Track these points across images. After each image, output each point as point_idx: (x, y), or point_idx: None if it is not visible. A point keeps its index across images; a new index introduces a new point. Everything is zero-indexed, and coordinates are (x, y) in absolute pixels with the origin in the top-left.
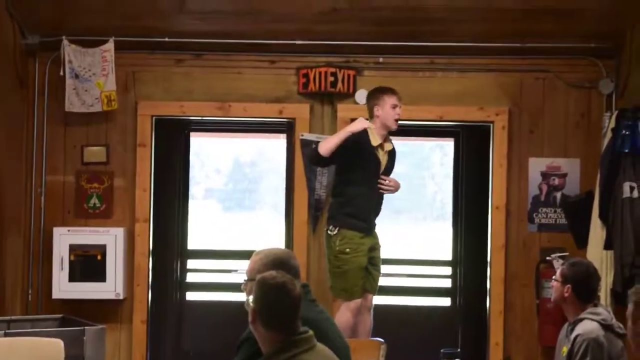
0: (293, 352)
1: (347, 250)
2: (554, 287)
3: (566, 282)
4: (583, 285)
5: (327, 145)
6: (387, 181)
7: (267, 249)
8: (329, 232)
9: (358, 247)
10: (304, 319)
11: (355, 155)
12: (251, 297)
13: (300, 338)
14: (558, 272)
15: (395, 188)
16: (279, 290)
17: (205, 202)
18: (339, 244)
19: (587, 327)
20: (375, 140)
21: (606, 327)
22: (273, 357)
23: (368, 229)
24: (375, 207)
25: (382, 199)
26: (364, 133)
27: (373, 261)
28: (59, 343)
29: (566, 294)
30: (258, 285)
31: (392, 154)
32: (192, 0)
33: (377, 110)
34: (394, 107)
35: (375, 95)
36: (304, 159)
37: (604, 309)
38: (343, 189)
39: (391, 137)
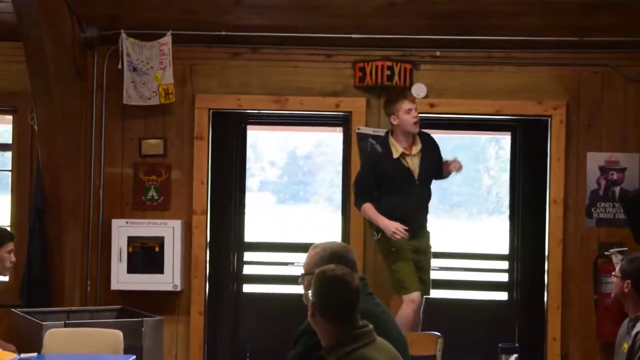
0: (353, 346)
1: (393, 249)
2: (614, 283)
3: (626, 277)
4: None
5: (365, 212)
6: (450, 166)
7: (324, 243)
8: (374, 237)
9: (403, 245)
10: (362, 312)
11: (380, 172)
12: (310, 291)
13: (361, 332)
14: (617, 267)
15: (456, 168)
16: (338, 282)
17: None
18: (385, 245)
19: None
20: (396, 152)
21: None
22: (333, 350)
23: (408, 232)
24: (414, 212)
25: (425, 203)
26: (385, 148)
27: (419, 265)
28: (118, 334)
29: (626, 289)
30: (317, 278)
31: (427, 151)
32: None
33: (394, 120)
34: (409, 111)
35: (388, 105)
36: (360, 152)
37: None
38: (379, 198)
39: (449, 133)
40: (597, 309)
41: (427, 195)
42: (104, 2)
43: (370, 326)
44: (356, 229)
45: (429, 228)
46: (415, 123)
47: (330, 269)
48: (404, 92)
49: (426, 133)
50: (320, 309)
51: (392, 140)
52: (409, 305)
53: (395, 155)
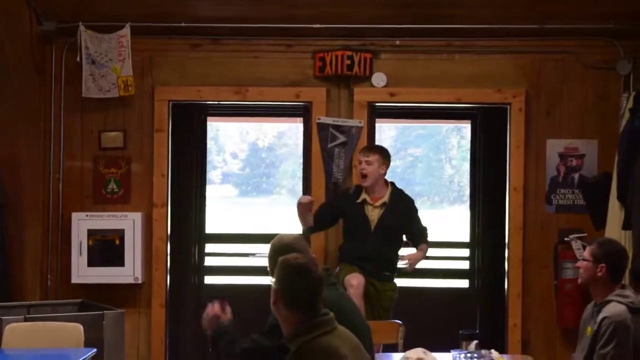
0: (314, 333)
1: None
2: (584, 267)
3: (599, 261)
4: (616, 264)
5: (302, 222)
6: (406, 261)
7: (276, 237)
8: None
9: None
10: (325, 301)
11: (342, 210)
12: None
13: (322, 320)
14: (587, 251)
15: (413, 262)
16: (300, 270)
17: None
18: (341, 275)
19: (615, 309)
20: (360, 197)
21: (633, 310)
22: (294, 339)
23: (362, 269)
24: (366, 260)
25: (379, 255)
26: (357, 190)
27: (369, 297)
28: (79, 327)
29: (599, 273)
30: (280, 266)
31: (393, 206)
32: None
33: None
34: (359, 163)
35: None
36: (320, 143)
37: (631, 292)
38: (344, 238)
39: (409, 120)
40: (557, 295)
41: (383, 249)
42: None
43: (331, 314)
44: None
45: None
46: (362, 175)
47: (292, 257)
48: (363, 147)
49: (400, 190)
50: (282, 296)
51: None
52: (349, 290)
53: (358, 200)
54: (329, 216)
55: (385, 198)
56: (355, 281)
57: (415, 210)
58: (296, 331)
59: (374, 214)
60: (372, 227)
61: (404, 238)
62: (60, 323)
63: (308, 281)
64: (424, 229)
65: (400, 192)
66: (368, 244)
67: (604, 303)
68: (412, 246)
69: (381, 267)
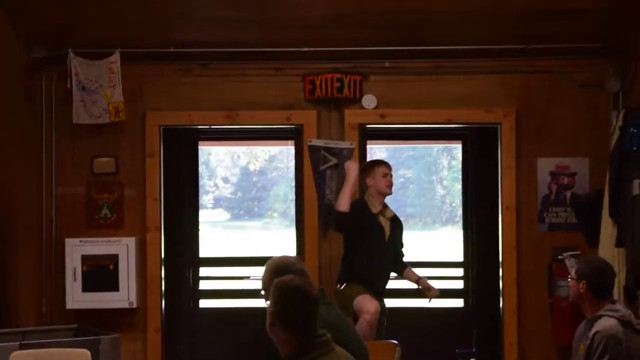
0: (312, 355)
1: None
2: (570, 286)
3: (581, 278)
4: (597, 280)
5: (343, 200)
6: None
7: (271, 259)
8: (335, 289)
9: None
10: (321, 322)
11: (358, 222)
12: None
13: (319, 341)
14: (574, 270)
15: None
16: (296, 292)
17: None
18: (345, 297)
19: (606, 323)
20: (374, 208)
21: (625, 323)
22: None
23: (371, 287)
24: (381, 271)
25: (390, 266)
26: (362, 204)
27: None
28: (86, 353)
29: (582, 290)
30: (276, 288)
31: (395, 222)
32: (196, 10)
33: (369, 181)
34: (385, 175)
35: (366, 169)
36: (312, 165)
37: (622, 306)
38: (348, 254)
39: (400, 141)
40: (553, 313)
41: (390, 264)
42: (51, 22)
43: (329, 335)
44: (310, 242)
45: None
46: (388, 186)
47: (288, 279)
48: (382, 160)
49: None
50: (279, 318)
51: (369, 198)
52: (364, 316)
53: (374, 211)
54: (352, 217)
55: (392, 213)
56: (372, 307)
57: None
58: (294, 353)
59: (387, 227)
60: (386, 240)
61: None
62: (67, 349)
63: (305, 302)
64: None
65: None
66: (383, 254)
67: (595, 318)
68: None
69: (384, 285)
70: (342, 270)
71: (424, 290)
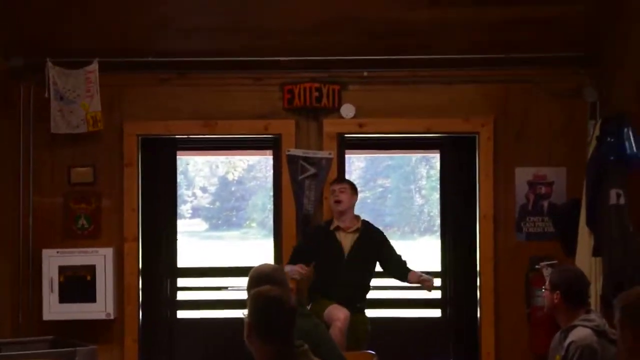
0: None
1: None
2: (545, 296)
3: (554, 288)
4: (571, 290)
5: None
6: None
7: (254, 268)
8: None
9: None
10: (299, 331)
11: (315, 242)
12: (245, 312)
13: (298, 351)
14: (547, 280)
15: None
16: (273, 302)
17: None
18: (317, 310)
19: (581, 333)
20: (333, 225)
21: (599, 333)
22: None
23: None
24: (339, 290)
25: (353, 284)
26: (321, 226)
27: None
28: None
29: (556, 301)
30: (253, 299)
31: (365, 235)
32: (174, 18)
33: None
34: (332, 193)
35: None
36: (290, 175)
37: (596, 316)
38: (315, 273)
39: (378, 151)
40: (530, 322)
41: (358, 278)
42: (29, 30)
43: (306, 346)
44: (288, 252)
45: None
46: (335, 202)
47: (265, 290)
48: (337, 177)
49: (369, 222)
50: (256, 329)
51: (334, 217)
52: (335, 324)
53: (331, 228)
54: (308, 252)
55: (358, 225)
56: (341, 314)
57: (388, 241)
58: None
59: (346, 242)
60: (346, 254)
61: (382, 269)
62: None
63: (282, 312)
64: (402, 258)
65: (370, 224)
66: (341, 272)
67: (569, 329)
68: (394, 277)
69: (354, 298)
70: (309, 288)
71: (423, 285)
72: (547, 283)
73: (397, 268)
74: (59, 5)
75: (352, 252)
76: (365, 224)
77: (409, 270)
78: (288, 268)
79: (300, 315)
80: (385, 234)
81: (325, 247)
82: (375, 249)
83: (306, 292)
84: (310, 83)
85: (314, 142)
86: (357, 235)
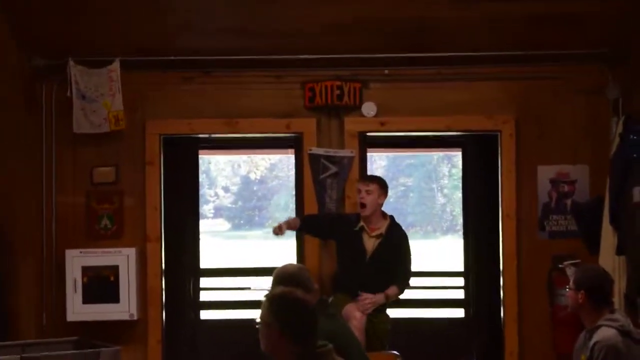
0: None
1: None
2: (569, 296)
3: (579, 288)
4: (595, 289)
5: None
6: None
7: (278, 267)
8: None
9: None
10: (324, 332)
11: (338, 236)
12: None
13: (321, 351)
14: (571, 279)
15: (369, 303)
16: (297, 303)
17: (215, 220)
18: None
19: (605, 334)
20: (358, 225)
21: (624, 333)
22: None
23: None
24: (364, 287)
25: (372, 285)
26: (351, 219)
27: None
28: None
29: (580, 300)
30: (275, 301)
31: (386, 240)
32: (197, 18)
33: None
34: (358, 192)
35: None
36: (312, 174)
37: (621, 315)
38: (337, 265)
39: (400, 149)
40: (553, 321)
41: (378, 279)
42: (51, 31)
43: (330, 346)
44: (311, 251)
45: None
46: (360, 204)
47: (288, 291)
48: (363, 176)
49: (398, 225)
50: (281, 330)
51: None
52: (352, 322)
53: (356, 228)
54: (323, 225)
55: (382, 230)
56: (358, 313)
57: (408, 249)
58: None
59: (369, 244)
60: (367, 257)
61: None
62: None
63: (305, 313)
64: (408, 273)
65: (399, 226)
66: (362, 273)
67: (594, 329)
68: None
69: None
70: (332, 282)
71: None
72: (571, 282)
73: (393, 276)
74: (81, 4)
75: (373, 256)
76: (393, 226)
77: (393, 284)
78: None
79: (326, 316)
80: (408, 239)
81: (348, 245)
82: (394, 253)
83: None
84: (332, 81)
85: (336, 141)
86: (380, 240)
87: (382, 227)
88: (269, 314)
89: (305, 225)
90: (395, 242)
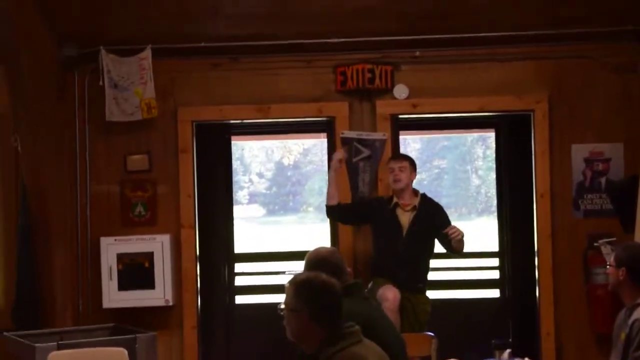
0: (342, 344)
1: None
2: (610, 272)
3: (621, 265)
4: (637, 266)
5: (329, 194)
6: (451, 230)
7: (311, 251)
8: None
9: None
10: (358, 315)
11: (373, 217)
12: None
13: (349, 332)
14: (612, 257)
15: (459, 234)
16: (325, 286)
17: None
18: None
19: None
20: (392, 202)
21: None
22: (323, 350)
23: (395, 281)
24: (396, 266)
25: (411, 261)
26: (382, 200)
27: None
28: (123, 352)
29: (621, 277)
30: (303, 285)
31: (423, 211)
32: (225, 4)
33: (388, 179)
34: (391, 171)
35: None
36: (345, 157)
37: None
38: (373, 249)
39: (432, 131)
40: (589, 300)
41: (416, 256)
42: (82, 20)
43: (357, 327)
44: (345, 235)
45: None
46: (395, 181)
47: (313, 276)
48: (393, 154)
49: (430, 198)
50: (310, 315)
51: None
52: (385, 304)
53: (390, 205)
54: (356, 211)
55: (416, 203)
56: (391, 294)
57: (446, 215)
58: (324, 343)
59: (404, 219)
60: (404, 232)
61: (440, 244)
62: (103, 348)
63: (333, 296)
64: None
65: (430, 199)
66: (400, 250)
67: (634, 306)
68: (448, 249)
69: (414, 277)
70: (370, 266)
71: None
72: (612, 259)
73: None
74: None
75: (410, 230)
76: (424, 198)
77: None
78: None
79: (360, 299)
80: (443, 208)
81: (383, 224)
82: (432, 224)
83: (366, 270)
84: (363, 64)
85: (368, 124)
86: (414, 212)
87: (415, 201)
88: (297, 300)
89: (338, 208)
90: (432, 212)
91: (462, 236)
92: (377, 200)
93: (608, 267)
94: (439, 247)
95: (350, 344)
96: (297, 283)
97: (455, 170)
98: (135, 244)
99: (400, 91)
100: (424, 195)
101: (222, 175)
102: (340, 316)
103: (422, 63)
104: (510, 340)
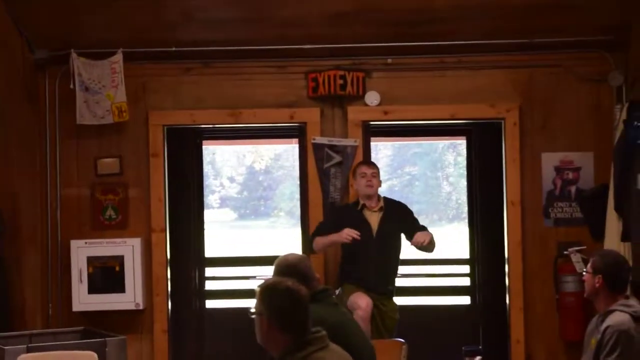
0: (308, 350)
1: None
2: (586, 280)
3: (597, 272)
4: (613, 275)
5: (319, 243)
6: (419, 240)
7: (279, 257)
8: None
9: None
10: (326, 322)
11: (342, 224)
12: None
13: (314, 337)
14: (589, 264)
15: (423, 241)
16: (291, 293)
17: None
18: (345, 295)
19: (618, 318)
20: (359, 205)
21: (637, 319)
22: (288, 355)
23: (365, 286)
24: (370, 269)
25: (383, 262)
26: (351, 204)
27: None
28: (93, 355)
29: (597, 285)
30: (270, 291)
31: (389, 211)
32: (198, 9)
33: (355, 185)
34: (363, 176)
35: (352, 170)
36: (317, 163)
37: (635, 302)
38: (342, 256)
39: (403, 138)
40: (559, 308)
41: (387, 257)
42: (53, 23)
43: (323, 332)
44: None
45: (395, 299)
46: (367, 186)
47: (278, 281)
48: (363, 160)
49: (391, 199)
50: (269, 320)
51: (360, 198)
52: (357, 312)
53: (358, 208)
54: (330, 224)
55: (382, 203)
56: (363, 302)
57: (412, 212)
58: (289, 348)
59: (373, 219)
60: (374, 232)
61: (408, 241)
62: (74, 352)
63: (300, 303)
64: (425, 228)
65: (390, 199)
66: (370, 251)
67: (607, 313)
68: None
69: (384, 279)
70: (338, 273)
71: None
72: (589, 266)
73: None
74: None
75: (380, 229)
76: (387, 200)
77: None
78: (338, 235)
79: (327, 305)
80: (407, 205)
81: (353, 227)
82: (400, 221)
83: (334, 278)
84: (335, 71)
85: (339, 130)
86: (382, 213)
87: (380, 202)
88: (260, 305)
89: (319, 234)
90: (398, 210)
91: (430, 238)
92: (344, 206)
93: (584, 274)
94: (410, 254)
95: (315, 350)
96: (262, 288)
97: (427, 176)
98: (105, 248)
99: (372, 98)
100: (385, 198)
101: (193, 179)
102: (307, 322)
103: (394, 70)
104: (480, 347)
